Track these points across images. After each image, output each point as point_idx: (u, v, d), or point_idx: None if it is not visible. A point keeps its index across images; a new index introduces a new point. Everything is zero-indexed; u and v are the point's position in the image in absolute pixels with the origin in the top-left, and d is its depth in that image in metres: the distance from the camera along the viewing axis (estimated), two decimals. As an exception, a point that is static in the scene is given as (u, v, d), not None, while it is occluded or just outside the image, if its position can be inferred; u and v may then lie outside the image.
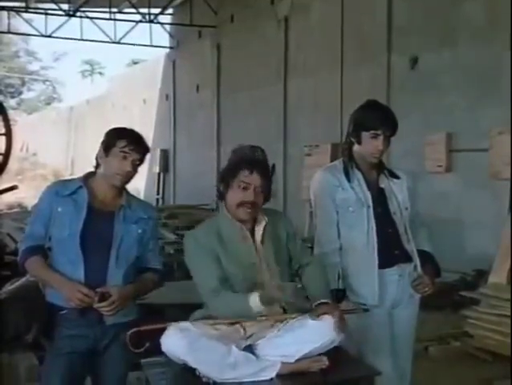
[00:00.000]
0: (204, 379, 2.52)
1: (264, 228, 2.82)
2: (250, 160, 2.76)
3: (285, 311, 2.78)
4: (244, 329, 2.70)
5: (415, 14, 9.38)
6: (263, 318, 2.70)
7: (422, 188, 8.16)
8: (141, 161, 2.91)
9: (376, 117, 3.09)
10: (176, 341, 2.53)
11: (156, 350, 2.64)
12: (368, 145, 3.10)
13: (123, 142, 2.85)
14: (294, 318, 2.70)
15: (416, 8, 9.35)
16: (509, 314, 5.31)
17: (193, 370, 2.55)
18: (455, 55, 8.60)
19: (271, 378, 2.55)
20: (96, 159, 2.93)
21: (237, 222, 2.79)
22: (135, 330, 2.63)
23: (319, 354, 2.63)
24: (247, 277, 2.74)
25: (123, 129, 2.95)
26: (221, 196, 2.84)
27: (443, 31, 8.81)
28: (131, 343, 2.61)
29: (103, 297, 2.74)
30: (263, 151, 2.83)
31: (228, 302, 2.67)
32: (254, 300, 2.60)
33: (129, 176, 2.90)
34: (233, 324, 2.69)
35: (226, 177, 2.79)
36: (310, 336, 2.61)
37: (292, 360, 2.60)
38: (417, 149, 8.86)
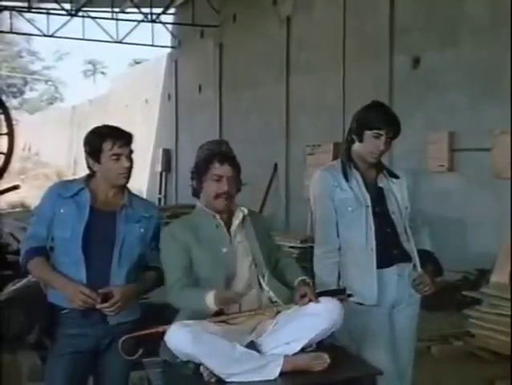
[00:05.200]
0: (206, 378, 2.52)
1: (243, 220, 2.91)
2: (219, 152, 2.89)
3: (272, 302, 2.82)
4: (237, 325, 2.73)
5: (417, 13, 9.38)
6: (252, 312, 2.75)
7: (424, 188, 8.20)
8: (132, 151, 2.91)
9: (381, 117, 3.10)
10: (182, 335, 2.54)
11: (152, 353, 2.67)
12: (370, 144, 3.10)
13: (108, 144, 2.84)
14: (287, 309, 2.74)
15: (419, 7, 9.36)
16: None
17: (196, 369, 2.55)
18: (457, 55, 8.59)
19: (275, 378, 2.55)
20: (89, 167, 2.92)
21: (211, 212, 2.88)
22: (127, 337, 2.66)
23: (321, 352, 2.64)
24: (219, 266, 2.80)
25: (100, 131, 2.91)
26: (196, 192, 2.96)
27: (445, 31, 8.81)
28: (124, 350, 2.65)
29: (106, 298, 2.75)
30: (228, 145, 2.96)
31: (187, 297, 2.73)
32: (210, 299, 2.64)
33: (130, 171, 2.91)
34: (221, 322, 2.71)
35: (199, 173, 2.90)
36: (310, 322, 2.64)
37: (297, 348, 2.61)
38: (420, 148, 8.86)
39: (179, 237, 2.84)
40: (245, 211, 2.94)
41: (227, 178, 2.84)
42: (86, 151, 2.91)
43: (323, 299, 2.72)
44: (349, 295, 2.83)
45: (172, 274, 2.80)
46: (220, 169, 2.84)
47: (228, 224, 2.90)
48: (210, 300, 2.64)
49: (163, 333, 2.61)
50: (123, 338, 2.66)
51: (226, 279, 2.79)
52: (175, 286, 2.78)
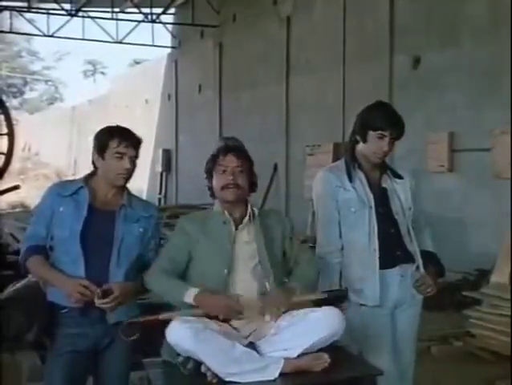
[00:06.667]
0: (209, 378, 2.53)
1: (252, 219, 2.90)
2: (224, 146, 2.93)
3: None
4: (235, 328, 2.72)
5: (417, 13, 9.38)
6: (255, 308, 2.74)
7: (424, 188, 8.19)
8: (137, 155, 2.93)
9: (386, 118, 3.09)
10: (182, 331, 2.55)
11: (152, 353, 2.70)
12: (373, 145, 3.09)
13: (115, 142, 2.87)
14: (287, 313, 2.74)
15: (419, 7, 9.36)
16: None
17: (196, 369, 2.56)
18: (457, 55, 8.59)
19: (274, 379, 2.56)
20: (93, 163, 2.95)
21: (221, 209, 2.90)
22: (128, 322, 2.69)
23: (321, 351, 2.64)
24: (221, 262, 2.80)
25: (110, 129, 2.95)
26: (211, 191, 2.97)
27: (445, 31, 8.81)
28: (124, 335, 2.70)
29: (105, 295, 2.75)
30: (237, 140, 2.99)
31: (166, 283, 2.77)
32: (189, 295, 2.66)
33: (130, 173, 2.92)
34: (223, 321, 2.71)
35: (209, 171, 2.94)
36: (309, 330, 2.63)
37: (295, 354, 2.61)
38: (420, 148, 8.86)
39: (188, 228, 2.89)
40: (256, 211, 2.93)
41: (232, 168, 2.86)
42: (93, 146, 2.94)
43: (323, 308, 2.72)
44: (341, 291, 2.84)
45: (162, 260, 2.85)
46: (224, 161, 2.87)
47: (238, 223, 2.90)
48: (190, 296, 2.66)
49: (163, 323, 2.62)
50: (125, 323, 2.68)
51: (226, 276, 2.79)
52: (157, 269, 2.82)
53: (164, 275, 2.79)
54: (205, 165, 2.95)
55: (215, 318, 2.68)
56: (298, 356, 2.62)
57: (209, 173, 2.93)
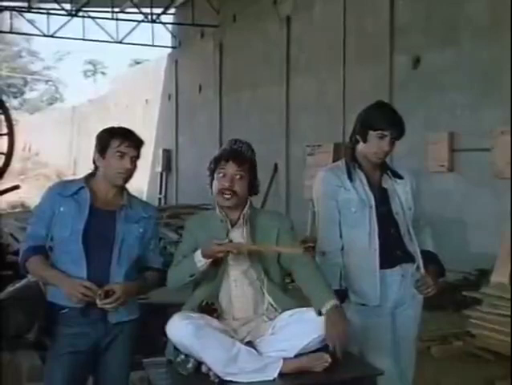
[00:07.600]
0: (212, 377, 2.53)
1: (246, 218, 2.90)
2: (227, 151, 2.91)
3: (275, 309, 2.81)
4: (234, 330, 2.73)
5: (417, 13, 9.38)
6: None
7: (424, 188, 8.16)
8: (138, 156, 2.94)
9: (386, 118, 3.09)
10: (183, 327, 2.56)
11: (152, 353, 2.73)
12: (373, 145, 3.09)
13: (116, 141, 2.88)
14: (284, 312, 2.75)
15: (419, 7, 9.36)
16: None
17: (197, 369, 2.55)
18: (457, 55, 8.59)
19: (274, 379, 2.56)
20: (94, 162, 2.96)
21: (219, 210, 2.91)
22: None
23: (321, 351, 2.64)
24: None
25: (113, 129, 2.97)
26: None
27: (445, 31, 8.81)
28: None
29: (107, 296, 2.76)
30: (245, 144, 2.96)
31: (178, 266, 2.86)
32: (197, 254, 2.75)
33: (130, 173, 2.93)
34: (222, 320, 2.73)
35: (211, 172, 2.94)
36: (306, 329, 2.64)
37: (292, 354, 2.62)
38: (419, 149, 8.86)
39: (191, 228, 2.96)
40: (249, 212, 2.92)
41: (231, 175, 2.85)
42: (95, 145, 2.95)
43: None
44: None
45: (174, 261, 2.91)
46: (224, 166, 2.86)
47: (234, 224, 2.90)
48: (198, 255, 2.72)
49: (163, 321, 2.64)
50: None
51: (219, 275, 2.81)
52: (170, 268, 2.89)
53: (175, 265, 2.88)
54: (207, 165, 2.95)
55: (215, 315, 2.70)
56: (297, 356, 2.62)
57: (211, 174, 2.93)
